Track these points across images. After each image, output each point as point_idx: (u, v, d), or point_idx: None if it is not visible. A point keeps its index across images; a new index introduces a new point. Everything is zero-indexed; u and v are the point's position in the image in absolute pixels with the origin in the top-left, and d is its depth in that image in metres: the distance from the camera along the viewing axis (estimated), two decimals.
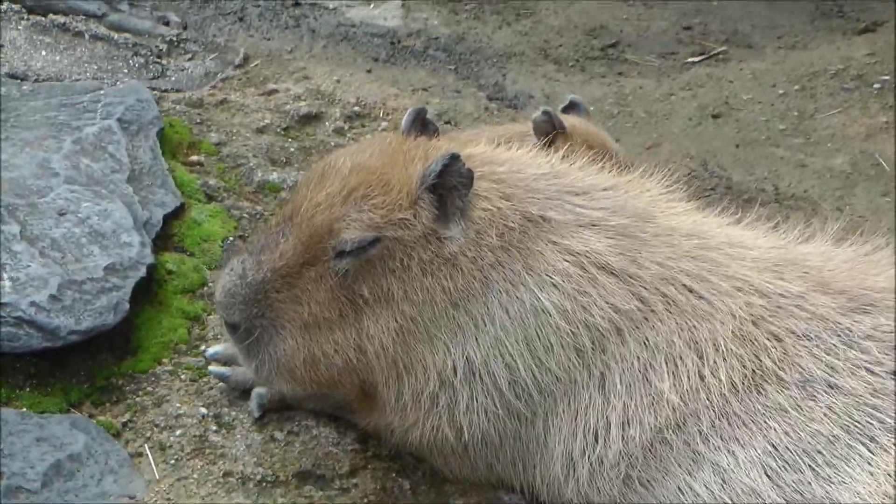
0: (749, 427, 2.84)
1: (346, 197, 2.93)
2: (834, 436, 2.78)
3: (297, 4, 7.13)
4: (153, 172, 4.26)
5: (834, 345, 2.88)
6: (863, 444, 2.76)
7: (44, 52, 5.45)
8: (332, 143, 5.13)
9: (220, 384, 3.49)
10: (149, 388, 3.47)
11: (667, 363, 2.92)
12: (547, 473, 3.07)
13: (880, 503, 2.69)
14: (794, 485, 2.76)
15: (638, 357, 2.94)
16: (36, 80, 5.10)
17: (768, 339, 2.91)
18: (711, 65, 6.88)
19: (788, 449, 2.79)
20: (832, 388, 2.83)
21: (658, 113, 6.20)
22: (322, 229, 2.93)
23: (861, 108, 6.05)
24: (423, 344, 2.97)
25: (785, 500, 2.76)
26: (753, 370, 2.89)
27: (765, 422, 2.83)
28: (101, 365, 3.50)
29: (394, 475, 3.29)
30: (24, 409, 3.28)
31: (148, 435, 3.30)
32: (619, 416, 2.92)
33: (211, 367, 3.49)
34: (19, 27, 5.64)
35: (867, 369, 2.84)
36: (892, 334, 2.88)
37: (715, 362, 2.89)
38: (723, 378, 2.88)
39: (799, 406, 2.83)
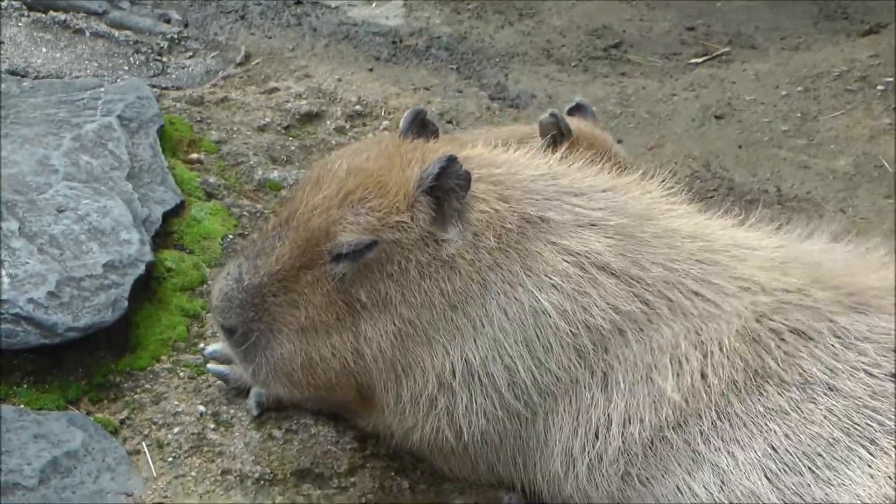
0: (749, 428, 2.83)
1: (343, 200, 2.91)
2: (834, 438, 2.77)
3: (298, 3, 7.12)
4: (153, 170, 4.25)
5: (833, 345, 2.88)
6: (863, 446, 2.75)
7: (44, 49, 5.45)
8: (333, 142, 5.12)
9: (219, 382, 3.48)
10: (147, 386, 3.47)
11: (671, 363, 2.91)
12: (547, 470, 3.06)
13: None
14: (793, 487, 2.75)
15: (642, 358, 2.92)
16: (36, 77, 5.11)
17: (771, 337, 2.90)
18: (714, 66, 6.86)
19: (788, 451, 2.78)
20: (832, 390, 2.82)
21: (661, 113, 6.18)
22: (319, 232, 2.91)
23: (864, 110, 6.03)
24: (422, 347, 2.95)
25: (784, 502, 2.75)
26: (756, 370, 2.88)
27: (765, 423, 2.82)
28: (99, 362, 3.49)
29: (392, 474, 3.29)
30: (22, 406, 3.27)
31: (146, 432, 3.30)
32: (620, 413, 2.91)
33: (209, 366, 3.49)
34: (20, 24, 5.64)
35: (866, 371, 2.83)
36: (888, 336, 2.87)
37: (719, 361, 2.88)
38: (725, 378, 2.87)
39: (799, 408, 2.82)
